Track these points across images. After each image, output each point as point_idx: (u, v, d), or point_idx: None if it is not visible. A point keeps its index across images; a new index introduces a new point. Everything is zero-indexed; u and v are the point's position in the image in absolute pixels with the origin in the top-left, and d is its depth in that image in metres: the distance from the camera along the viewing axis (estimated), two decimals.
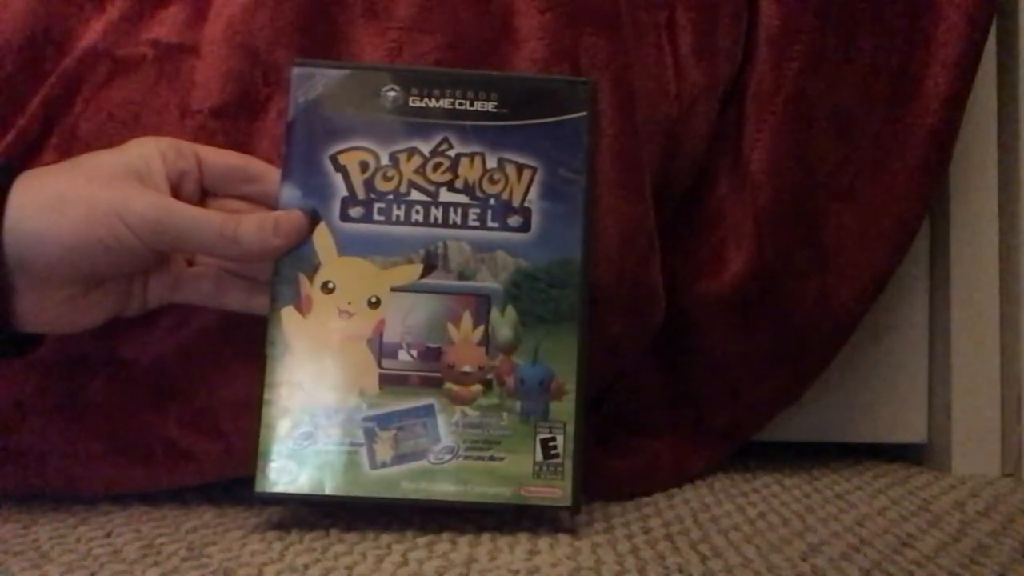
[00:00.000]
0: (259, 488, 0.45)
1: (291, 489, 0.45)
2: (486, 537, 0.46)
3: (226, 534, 0.46)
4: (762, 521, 0.50)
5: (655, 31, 0.54)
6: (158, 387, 0.50)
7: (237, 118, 0.49)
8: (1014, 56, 0.63)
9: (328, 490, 0.45)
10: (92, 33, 0.50)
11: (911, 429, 0.65)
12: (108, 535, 0.45)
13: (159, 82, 0.50)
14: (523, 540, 0.46)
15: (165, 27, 0.50)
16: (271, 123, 0.50)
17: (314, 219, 0.46)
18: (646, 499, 0.55)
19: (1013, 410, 0.63)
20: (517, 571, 0.41)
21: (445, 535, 0.46)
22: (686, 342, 0.58)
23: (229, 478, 0.52)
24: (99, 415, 0.50)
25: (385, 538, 0.46)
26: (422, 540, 0.45)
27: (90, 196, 0.41)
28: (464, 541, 0.45)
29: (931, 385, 0.65)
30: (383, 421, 0.45)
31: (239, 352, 0.49)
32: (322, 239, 0.46)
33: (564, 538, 0.46)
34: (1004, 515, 0.52)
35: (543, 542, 0.45)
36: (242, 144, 0.49)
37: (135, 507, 0.51)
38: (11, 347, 0.44)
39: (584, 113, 0.47)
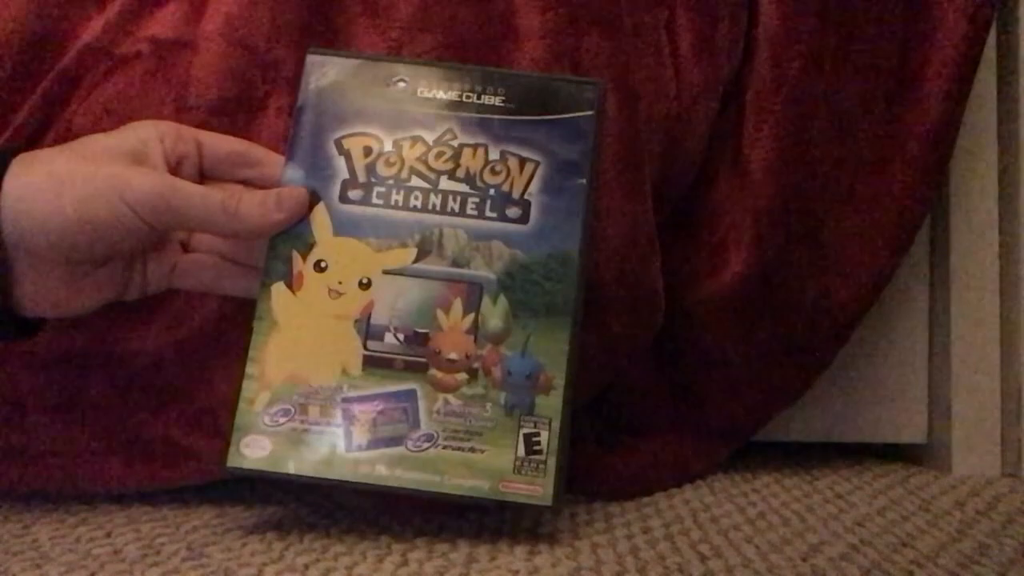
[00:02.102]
0: (230, 463, 0.43)
1: (262, 466, 0.43)
2: (486, 537, 0.46)
3: (226, 534, 0.46)
4: (762, 521, 0.50)
5: (655, 31, 0.54)
6: (158, 386, 0.50)
7: (236, 115, 0.49)
8: (1014, 56, 0.63)
9: (301, 470, 0.43)
10: (91, 31, 0.50)
11: (911, 429, 0.65)
12: (108, 535, 0.45)
13: (155, 77, 0.50)
14: (523, 540, 0.46)
15: (163, 24, 0.50)
16: (270, 120, 0.50)
17: (313, 198, 0.46)
18: (646, 499, 0.55)
19: (1013, 410, 0.63)
20: (517, 571, 0.41)
21: (445, 535, 0.46)
22: (686, 342, 0.58)
23: (231, 478, 0.52)
24: (99, 414, 0.50)
25: (385, 538, 0.46)
26: (422, 540, 0.45)
27: (89, 174, 0.41)
28: (464, 541, 0.45)
29: (931, 385, 0.65)
30: (363, 403, 0.44)
31: (237, 352, 0.49)
32: (319, 219, 0.46)
33: (564, 538, 0.46)
34: (1004, 515, 0.52)
35: (543, 542, 0.45)
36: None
37: (135, 507, 0.51)
38: (11, 331, 0.44)
39: (591, 112, 0.47)
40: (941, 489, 0.59)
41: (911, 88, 0.58)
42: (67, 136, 0.48)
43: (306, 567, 0.41)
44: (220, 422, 0.50)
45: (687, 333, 0.58)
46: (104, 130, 0.47)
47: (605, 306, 0.51)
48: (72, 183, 0.40)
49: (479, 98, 0.47)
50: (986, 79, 0.63)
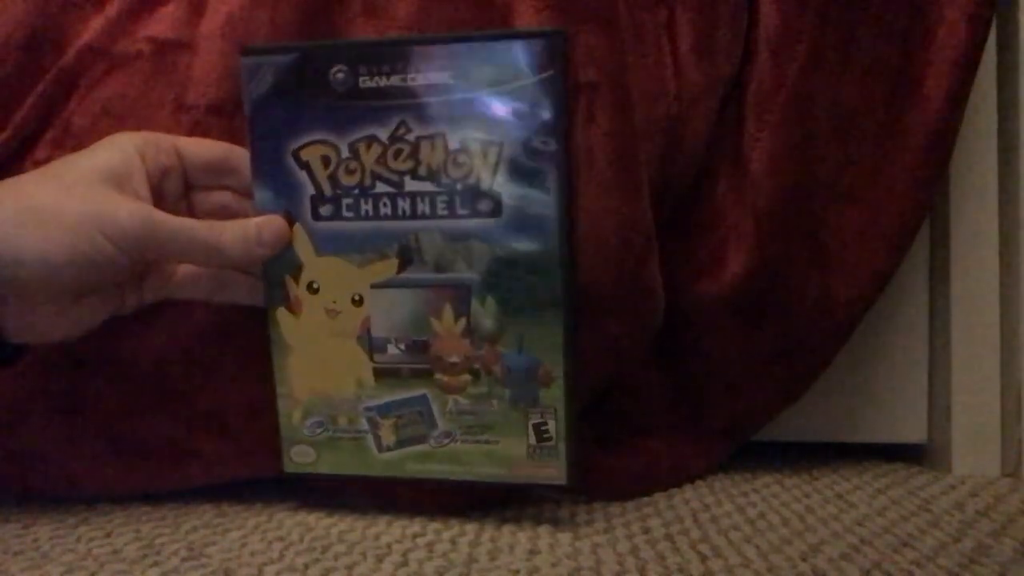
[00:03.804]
0: (287, 469, 0.49)
1: (312, 469, 0.48)
2: (486, 537, 0.46)
3: (226, 534, 0.46)
4: (762, 521, 0.50)
5: (654, 30, 0.54)
6: (159, 388, 0.50)
7: (234, 115, 0.49)
8: (1014, 56, 0.63)
9: (345, 470, 0.48)
10: (90, 31, 0.50)
11: (911, 429, 0.65)
12: (108, 535, 0.45)
13: (154, 77, 0.50)
14: (523, 540, 0.46)
15: (162, 24, 0.50)
16: None
17: (289, 218, 0.46)
18: (646, 499, 0.55)
19: (1013, 410, 0.63)
20: (517, 571, 0.41)
21: (445, 535, 0.46)
22: (686, 342, 0.58)
23: (235, 478, 0.52)
24: (99, 415, 0.50)
25: (385, 538, 0.46)
26: (422, 540, 0.45)
27: (71, 211, 0.40)
28: (464, 541, 0.45)
29: (931, 385, 0.65)
30: (383, 410, 0.47)
31: (240, 353, 0.49)
32: (300, 240, 0.46)
33: (564, 538, 0.46)
34: (1004, 515, 0.52)
35: (543, 542, 0.45)
36: (239, 142, 0.49)
37: (135, 507, 0.51)
38: (1, 358, 0.44)
39: (551, 73, 0.43)
40: (941, 489, 0.59)
41: (911, 88, 0.58)
42: (64, 136, 0.48)
43: (306, 567, 0.41)
44: (222, 424, 0.50)
45: (687, 333, 0.58)
46: (103, 130, 0.47)
47: (604, 307, 0.51)
48: (55, 220, 0.40)
49: (425, 77, 0.44)
50: (986, 79, 0.63)
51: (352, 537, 0.46)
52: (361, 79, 0.44)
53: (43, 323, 0.42)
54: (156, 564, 0.41)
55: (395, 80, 0.44)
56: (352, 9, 0.51)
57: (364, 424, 0.47)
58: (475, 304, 0.45)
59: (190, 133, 0.48)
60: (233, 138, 0.49)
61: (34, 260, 0.40)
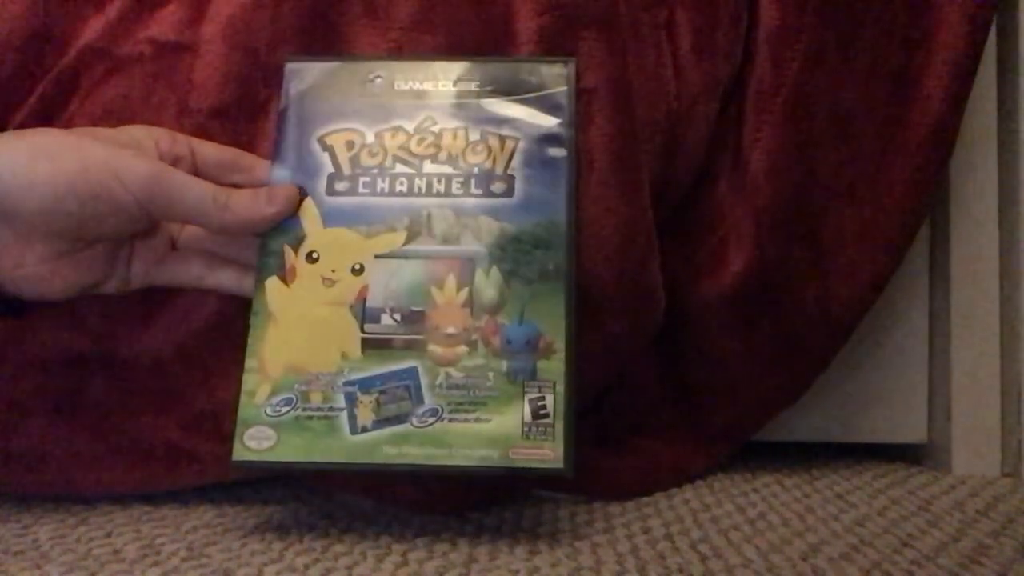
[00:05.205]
0: (236, 456, 0.43)
1: (269, 457, 0.43)
2: (486, 537, 0.46)
3: (226, 534, 0.46)
4: (762, 521, 0.50)
5: (654, 31, 0.54)
6: (158, 388, 0.50)
7: (236, 119, 0.49)
8: (1014, 56, 0.63)
9: (307, 457, 0.43)
10: (91, 31, 0.50)
11: (911, 429, 0.65)
12: (108, 535, 0.45)
13: (156, 80, 0.50)
14: (523, 540, 0.46)
15: (163, 26, 0.50)
16: (271, 124, 0.50)
17: (301, 192, 0.47)
18: (646, 499, 0.55)
19: (1013, 410, 0.63)
20: (517, 571, 0.41)
21: (445, 535, 0.46)
22: (686, 342, 0.58)
23: (231, 479, 0.52)
24: (99, 416, 0.50)
25: (385, 538, 0.46)
26: (422, 540, 0.45)
27: (85, 149, 0.41)
28: (464, 541, 0.45)
29: (931, 385, 0.65)
30: (365, 385, 0.44)
31: (238, 354, 0.49)
32: (308, 212, 0.46)
33: (564, 538, 0.46)
34: (1004, 515, 0.52)
35: (543, 542, 0.45)
36: (241, 145, 0.49)
37: (135, 507, 0.51)
38: None
39: (565, 88, 0.48)
40: (941, 489, 0.59)
41: (911, 88, 0.58)
42: None
43: (306, 567, 0.41)
44: (221, 424, 0.50)
45: (687, 333, 0.58)
46: None
47: (604, 307, 0.51)
48: (67, 154, 0.41)
49: (455, 85, 0.48)
50: (986, 79, 0.63)
51: (352, 537, 0.46)
52: (396, 83, 0.48)
53: (33, 269, 0.42)
54: (156, 564, 0.41)
55: (428, 85, 0.48)
56: (353, 11, 0.51)
57: (340, 401, 0.44)
58: (479, 275, 0.45)
59: (193, 136, 0.48)
60: (236, 142, 0.49)
61: (46, 190, 0.40)
